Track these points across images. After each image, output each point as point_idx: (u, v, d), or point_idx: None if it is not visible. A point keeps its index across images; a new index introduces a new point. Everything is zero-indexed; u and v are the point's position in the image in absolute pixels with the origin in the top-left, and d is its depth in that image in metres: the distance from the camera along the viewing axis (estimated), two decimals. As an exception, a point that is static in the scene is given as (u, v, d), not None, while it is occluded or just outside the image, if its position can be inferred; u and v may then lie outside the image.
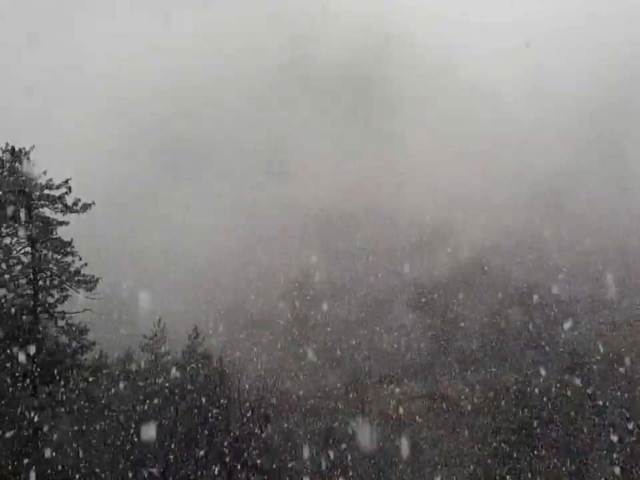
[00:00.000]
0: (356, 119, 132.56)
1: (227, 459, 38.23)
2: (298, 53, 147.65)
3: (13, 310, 37.37)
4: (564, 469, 47.95)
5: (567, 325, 73.70)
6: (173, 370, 41.01)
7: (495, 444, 50.19)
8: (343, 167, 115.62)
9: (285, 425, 47.40)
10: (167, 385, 39.84)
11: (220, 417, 40.02)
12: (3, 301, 37.17)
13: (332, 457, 42.51)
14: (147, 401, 37.96)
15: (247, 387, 44.99)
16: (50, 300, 38.76)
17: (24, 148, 39.97)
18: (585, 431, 50.27)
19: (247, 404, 42.33)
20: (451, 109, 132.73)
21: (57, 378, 37.80)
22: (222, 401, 40.80)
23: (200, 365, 43.33)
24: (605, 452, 48.57)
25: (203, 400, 39.57)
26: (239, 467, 38.32)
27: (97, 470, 34.78)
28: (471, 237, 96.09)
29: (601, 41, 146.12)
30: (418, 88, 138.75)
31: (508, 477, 47.54)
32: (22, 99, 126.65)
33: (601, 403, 52.87)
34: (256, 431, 41.25)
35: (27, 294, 38.61)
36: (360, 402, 59.19)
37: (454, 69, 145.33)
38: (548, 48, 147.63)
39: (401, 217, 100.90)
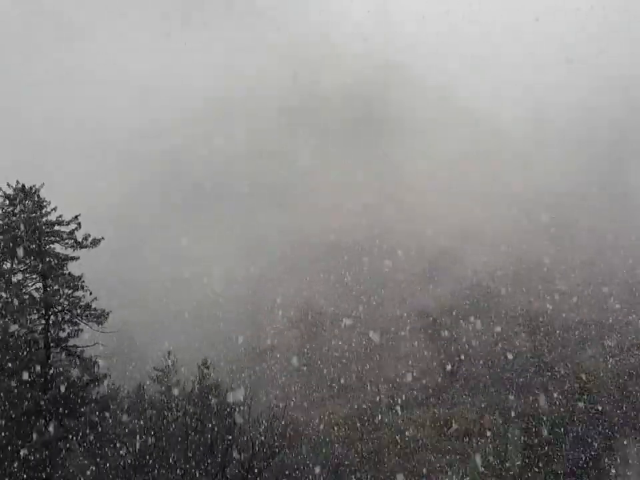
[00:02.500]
0: (360, 147, 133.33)
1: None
2: (300, 83, 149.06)
3: (24, 345, 37.93)
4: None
5: (574, 350, 73.92)
6: (183, 401, 41.35)
7: (504, 469, 50.24)
8: (347, 196, 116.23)
9: (295, 454, 47.53)
10: (178, 416, 40.17)
11: (230, 448, 40.29)
12: (15, 336, 37.71)
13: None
14: (159, 433, 38.25)
15: (255, 417, 45.21)
16: (61, 334, 39.31)
17: (34, 185, 40.78)
18: (594, 455, 50.35)
19: (256, 434, 42.56)
20: (453, 135, 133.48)
21: (69, 411, 38.18)
22: (232, 432, 41.08)
23: (210, 396, 43.63)
24: (615, 477, 48.62)
25: (213, 430, 39.86)
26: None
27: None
28: (476, 263, 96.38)
29: (602, 63, 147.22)
30: (420, 115, 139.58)
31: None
32: (29, 133, 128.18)
33: (609, 427, 53.02)
34: (266, 460, 41.48)
35: (39, 329, 39.16)
36: (369, 430, 59.32)
37: (455, 96, 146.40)
38: (549, 69, 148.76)
39: (406, 245, 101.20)
